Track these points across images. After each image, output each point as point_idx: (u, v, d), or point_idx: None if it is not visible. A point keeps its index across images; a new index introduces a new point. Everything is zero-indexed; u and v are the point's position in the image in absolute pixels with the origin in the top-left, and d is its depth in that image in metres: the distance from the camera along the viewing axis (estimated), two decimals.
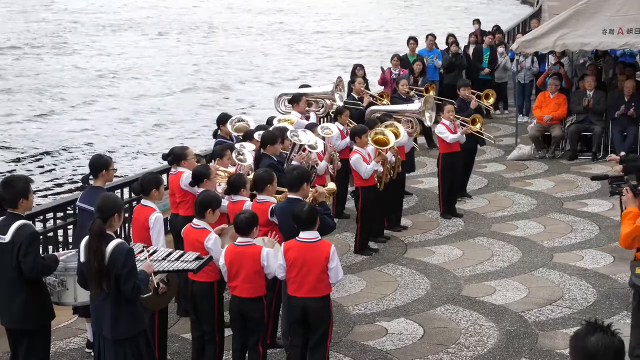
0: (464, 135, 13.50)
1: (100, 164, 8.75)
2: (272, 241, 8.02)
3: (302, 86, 15.53)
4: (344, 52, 38.21)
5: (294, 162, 10.28)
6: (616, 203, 13.79)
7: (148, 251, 7.56)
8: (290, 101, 13.65)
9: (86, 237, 6.84)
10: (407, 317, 9.68)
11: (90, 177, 8.87)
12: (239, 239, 7.83)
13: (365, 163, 11.60)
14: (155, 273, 7.35)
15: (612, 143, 16.81)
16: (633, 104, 16.44)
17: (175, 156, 9.95)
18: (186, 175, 9.60)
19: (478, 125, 13.91)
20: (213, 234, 8.06)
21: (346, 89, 15.28)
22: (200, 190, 8.89)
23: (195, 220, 8.22)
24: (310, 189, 8.79)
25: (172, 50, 38.66)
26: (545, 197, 14.49)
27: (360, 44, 40.45)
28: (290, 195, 8.55)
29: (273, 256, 7.76)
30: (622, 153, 11.19)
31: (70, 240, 10.65)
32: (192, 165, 9.79)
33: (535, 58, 20.27)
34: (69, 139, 23.67)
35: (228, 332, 8.53)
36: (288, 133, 10.58)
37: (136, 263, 7.13)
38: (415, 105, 14.15)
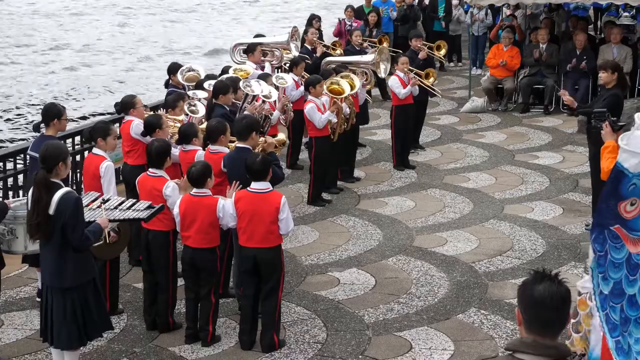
0: (417, 87, 13.50)
1: (53, 113, 8.62)
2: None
3: (257, 36, 15.39)
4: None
5: (246, 112, 10.22)
6: (567, 155, 14.04)
7: (103, 200, 7.48)
8: (245, 51, 13.53)
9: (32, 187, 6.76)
10: (359, 268, 9.73)
11: (42, 125, 8.75)
12: (195, 190, 7.80)
13: (319, 112, 11.58)
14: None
15: None
16: (585, 57, 16.54)
17: (124, 105, 9.84)
18: (136, 123, 9.53)
19: (431, 80, 13.94)
20: (171, 182, 8.05)
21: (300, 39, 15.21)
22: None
23: (151, 169, 8.17)
24: (260, 139, 8.77)
25: None
26: (497, 150, 14.61)
27: None
28: (239, 145, 8.51)
29: (230, 208, 7.74)
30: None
31: (21, 188, 10.54)
32: (140, 113, 9.70)
33: (489, 10, 20.30)
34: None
35: (180, 282, 8.53)
36: (241, 83, 10.51)
37: (91, 211, 7.06)
38: (369, 56, 14.13)
